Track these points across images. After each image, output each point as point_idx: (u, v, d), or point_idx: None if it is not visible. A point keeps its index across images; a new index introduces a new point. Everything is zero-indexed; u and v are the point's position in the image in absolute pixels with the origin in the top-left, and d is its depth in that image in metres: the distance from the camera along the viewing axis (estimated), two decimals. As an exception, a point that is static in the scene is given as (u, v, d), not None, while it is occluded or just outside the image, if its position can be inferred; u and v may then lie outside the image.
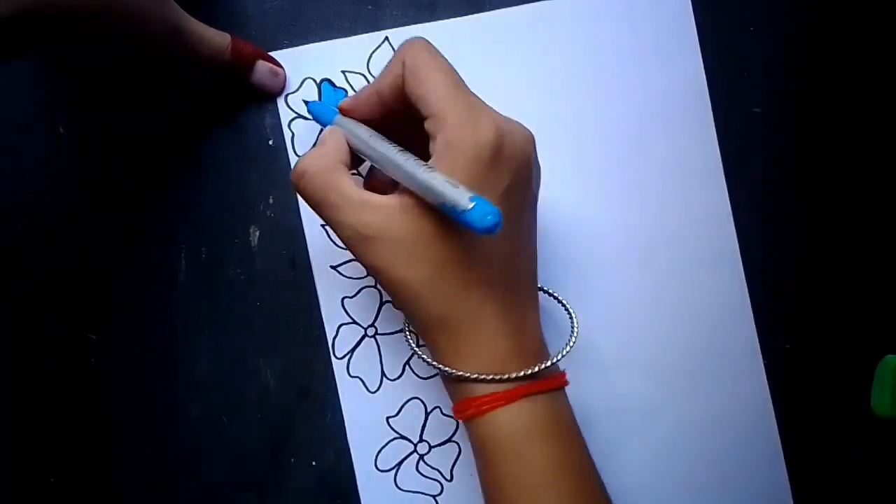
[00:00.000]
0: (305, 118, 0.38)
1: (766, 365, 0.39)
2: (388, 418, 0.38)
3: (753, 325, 0.39)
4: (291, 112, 0.38)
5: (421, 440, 0.38)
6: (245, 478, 0.38)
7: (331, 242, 0.38)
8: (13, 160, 0.38)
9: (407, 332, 0.35)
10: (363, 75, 0.38)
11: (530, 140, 0.31)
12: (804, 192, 0.39)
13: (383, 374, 0.38)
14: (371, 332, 0.39)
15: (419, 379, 0.38)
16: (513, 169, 0.30)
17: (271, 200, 0.38)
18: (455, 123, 0.29)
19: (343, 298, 0.38)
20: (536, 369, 0.31)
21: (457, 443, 0.38)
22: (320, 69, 0.38)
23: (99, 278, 0.38)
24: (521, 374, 0.31)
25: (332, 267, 0.38)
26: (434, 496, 0.38)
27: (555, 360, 0.32)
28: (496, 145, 0.29)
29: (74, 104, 0.38)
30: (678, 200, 0.39)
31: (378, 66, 0.38)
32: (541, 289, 0.36)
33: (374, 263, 0.30)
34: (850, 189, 0.39)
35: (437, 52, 0.31)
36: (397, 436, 0.38)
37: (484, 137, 0.29)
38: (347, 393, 0.38)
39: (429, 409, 0.38)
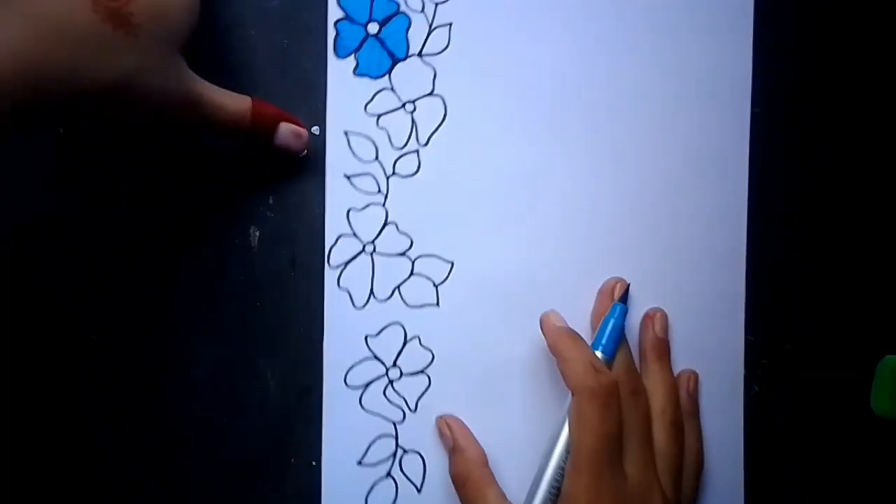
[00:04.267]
0: (353, 21, 0.38)
1: (765, 364, 0.39)
2: (366, 337, 0.38)
3: (742, 328, 0.39)
4: (340, 10, 0.38)
5: (394, 366, 0.38)
6: (245, 478, 0.38)
7: (349, 151, 0.38)
8: (13, 160, 0.38)
9: None
10: None
11: None
12: (804, 192, 0.39)
13: (372, 292, 0.38)
14: (370, 248, 0.38)
15: (406, 306, 0.38)
16: None
17: (271, 200, 0.38)
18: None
19: (349, 210, 0.38)
20: None
21: (428, 376, 0.38)
22: None
23: (99, 278, 0.38)
24: None
25: (346, 176, 0.38)
26: (395, 423, 0.38)
27: None
28: None
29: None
30: (695, 190, 0.39)
31: None
32: None
33: None
34: (850, 189, 0.39)
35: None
36: (372, 356, 0.38)
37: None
38: (333, 304, 0.38)
39: (408, 337, 0.38)
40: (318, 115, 0.38)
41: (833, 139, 0.39)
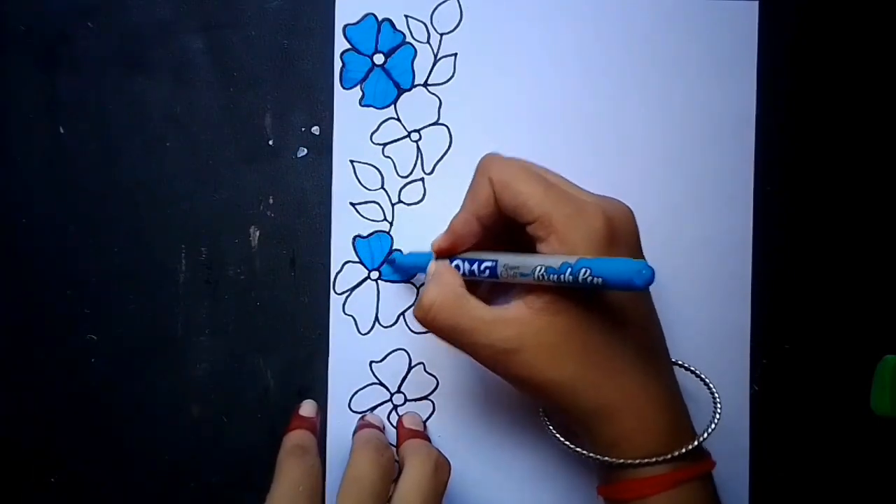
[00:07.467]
0: (359, 53, 0.38)
1: (765, 365, 0.39)
2: (371, 363, 0.39)
3: (749, 327, 0.39)
4: (346, 42, 0.38)
5: (398, 391, 0.39)
6: (245, 478, 0.38)
7: (355, 179, 0.38)
8: (13, 160, 0.38)
9: (547, 423, 0.34)
10: (424, 25, 0.38)
11: (632, 216, 0.32)
12: (804, 192, 0.39)
13: (377, 318, 0.39)
14: (374, 275, 0.39)
15: (411, 332, 0.39)
16: (626, 245, 0.31)
17: (271, 200, 0.38)
18: (562, 220, 0.30)
19: (355, 237, 0.39)
20: (692, 446, 0.31)
21: (432, 401, 0.39)
22: (384, 5, 0.38)
23: (99, 278, 0.38)
24: (682, 451, 0.31)
25: (352, 204, 0.39)
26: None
27: (704, 436, 0.32)
28: (608, 229, 0.30)
29: (74, 104, 0.38)
30: (700, 196, 0.39)
31: (441, 20, 0.38)
32: (675, 363, 0.35)
33: (520, 374, 0.31)
34: (850, 189, 0.39)
35: (515, 159, 0.32)
36: (376, 382, 0.39)
37: (595, 224, 0.30)
38: (338, 330, 0.38)
39: (413, 363, 0.39)
40: (317, 114, 0.38)
41: (833, 141, 0.39)
